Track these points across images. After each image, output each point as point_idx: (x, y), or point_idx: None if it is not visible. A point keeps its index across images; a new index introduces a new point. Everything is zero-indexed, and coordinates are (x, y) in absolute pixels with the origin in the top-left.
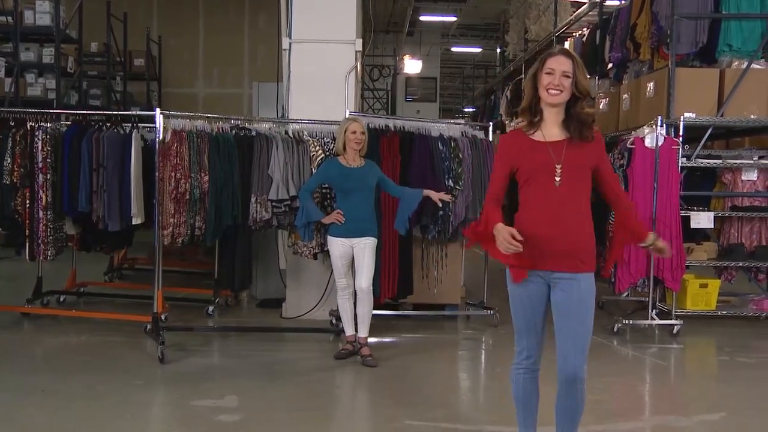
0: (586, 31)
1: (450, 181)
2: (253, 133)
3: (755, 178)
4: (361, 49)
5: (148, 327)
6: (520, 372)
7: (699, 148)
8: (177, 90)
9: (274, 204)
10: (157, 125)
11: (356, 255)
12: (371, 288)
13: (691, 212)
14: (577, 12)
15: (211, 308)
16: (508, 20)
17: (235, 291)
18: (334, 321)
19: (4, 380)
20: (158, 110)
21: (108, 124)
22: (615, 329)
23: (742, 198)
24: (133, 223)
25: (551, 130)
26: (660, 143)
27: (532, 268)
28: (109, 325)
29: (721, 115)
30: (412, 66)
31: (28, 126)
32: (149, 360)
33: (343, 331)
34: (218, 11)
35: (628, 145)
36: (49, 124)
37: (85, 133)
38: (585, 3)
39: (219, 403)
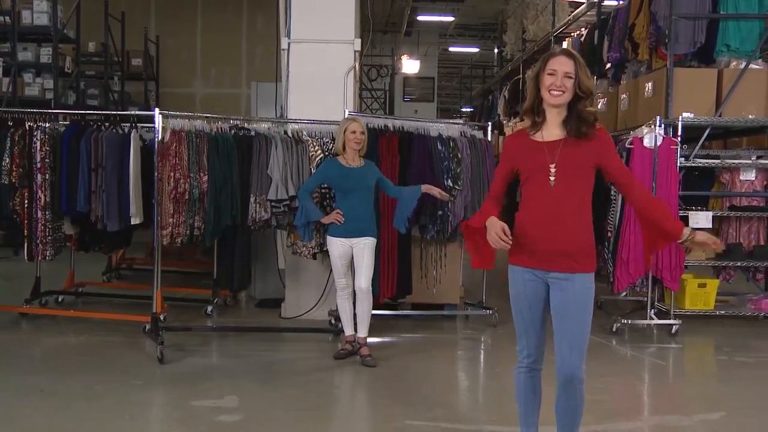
0: (584, 31)
1: (449, 180)
2: (252, 133)
3: (753, 178)
4: (359, 49)
5: (147, 327)
6: (522, 371)
7: (697, 148)
8: (174, 90)
9: (273, 204)
10: (156, 125)
11: (355, 255)
12: (370, 288)
13: (690, 212)
14: (575, 12)
15: (210, 308)
16: (505, 20)
17: (234, 291)
18: (333, 321)
19: (3, 380)
20: (157, 110)
21: (107, 124)
22: (614, 329)
23: (740, 198)
24: (132, 223)
25: (552, 130)
26: (658, 143)
27: (530, 266)
28: (108, 325)
29: (720, 115)
30: (409, 66)
31: (27, 126)
32: (148, 360)
33: (342, 331)
34: (216, 11)
35: (626, 145)
36: (47, 124)
37: (83, 133)
38: (583, 3)
39: (218, 403)
